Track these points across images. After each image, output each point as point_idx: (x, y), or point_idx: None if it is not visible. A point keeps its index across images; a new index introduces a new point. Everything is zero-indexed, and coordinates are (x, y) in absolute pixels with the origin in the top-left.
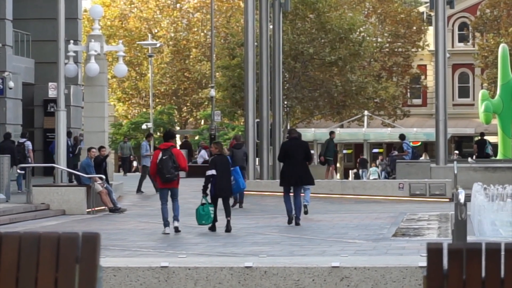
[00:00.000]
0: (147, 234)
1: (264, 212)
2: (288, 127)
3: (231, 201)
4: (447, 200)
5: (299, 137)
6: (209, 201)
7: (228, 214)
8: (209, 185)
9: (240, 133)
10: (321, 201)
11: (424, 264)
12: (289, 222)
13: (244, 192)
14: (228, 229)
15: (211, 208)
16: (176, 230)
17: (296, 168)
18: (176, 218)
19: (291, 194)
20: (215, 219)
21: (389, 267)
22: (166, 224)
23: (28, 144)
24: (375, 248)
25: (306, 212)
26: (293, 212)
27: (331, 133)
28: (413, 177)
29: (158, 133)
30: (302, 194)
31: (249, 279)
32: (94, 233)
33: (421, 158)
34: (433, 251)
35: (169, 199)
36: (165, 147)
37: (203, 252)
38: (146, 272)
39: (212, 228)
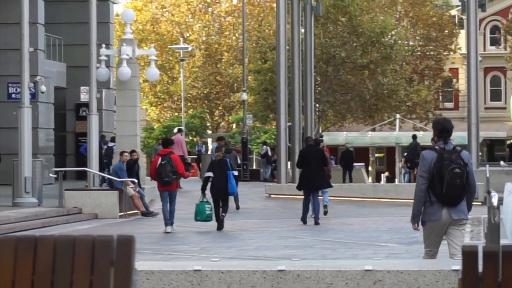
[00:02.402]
0: (180, 238)
1: (296, 215)
2: (320, 131)
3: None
4: (479, 203)
5: (317, 144)
6: (206, 199)
7: (224, 211)
8: (208, 185)
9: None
10: (353, 204)
11: (457, 267)
12: (304, 223)
13: (273, 195)
14: (219, 227)
15: (207, 206)
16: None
17: (312, 173)
18: (171, 223)
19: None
20: (217, 218)
21: (422, 271)
22: (166, 223)
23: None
24: (408, 251)
25: (325, 213)
26: (313, 214)
27: (415, 136)
28: None
29: (190, 137)
30: (320, 197)
31: (282, 282)
32: (129, 236)
33: None
34: (468, 254)
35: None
36: (164, 153)
37: (235, 255)
38: (179, 276)
39: (218, 227)
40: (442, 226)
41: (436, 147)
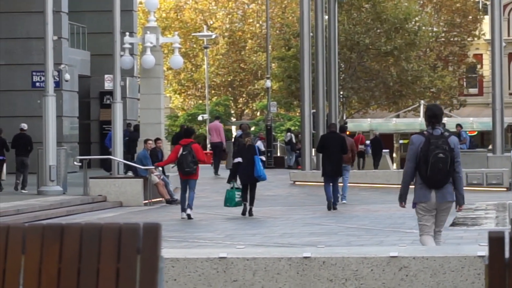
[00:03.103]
0: (204, 225)
1: (321, 202)
2: (344, 118)
3: None
4: (505, 189)
5: (342, 131)
6: (237, 186)
7: (251, 203)
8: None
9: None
10: (378, 191)
11: (483, 253)
12: (328, 209)
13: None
14: (249, 213)
15: (237, 193)
16: (189, 217)
17: (331, 159)
18: (189, 206)
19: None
20: (244, 204)
21: (448, 257)
22: (182, 209)
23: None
24: None
25: (335, 207)
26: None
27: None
28: (470, 167)
29: None
30: (340, 184)
31: (307, 269)
32: (155, 223)
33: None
34: (495, 240)
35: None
36: (185, 143)
37: (260, 242)
38: (205, 263)
39: (246, 213)
40: (432, 207)
41: (425, 132)
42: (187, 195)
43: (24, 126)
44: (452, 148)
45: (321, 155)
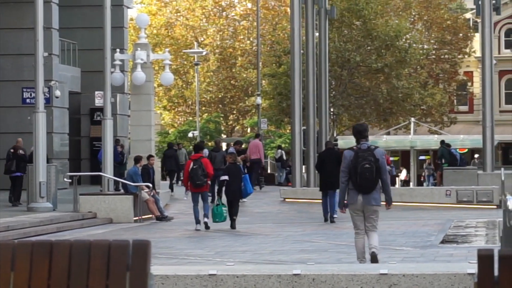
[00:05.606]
0: (194, 242)
1: (311, 219)
2: (335, 135)
3: None
4: (495, 206)
5: (334, 147)
6: (223, 202)
7: (235, 214)
8: (223, 189)
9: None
10: None
11: (473, 271)
12: (325, 221)
13: (288, 200)
14: (232, 226)
15: (224, 208)
16: (206, 226)
17: (329, 174)
18: (206, 215)
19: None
20: (231, 218)
21: (438, 274)
22: (197, 221)
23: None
24: (423, 255)
25: (332, 220)
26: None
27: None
28: (460, 184)
29: (205, 141)
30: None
31: (297, 286)
32: (144, 240)
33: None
34: (484, 258)
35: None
36: (195, 157)
37: (250, 260)
38: (194, 280)
39: (232, 226)
40: (358, 208)
41: (354, 147)
42: (199, 207)
43: None
44: (377, 159)
45: (316, 172)
